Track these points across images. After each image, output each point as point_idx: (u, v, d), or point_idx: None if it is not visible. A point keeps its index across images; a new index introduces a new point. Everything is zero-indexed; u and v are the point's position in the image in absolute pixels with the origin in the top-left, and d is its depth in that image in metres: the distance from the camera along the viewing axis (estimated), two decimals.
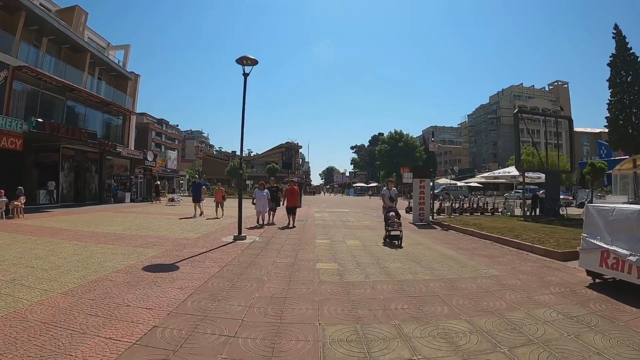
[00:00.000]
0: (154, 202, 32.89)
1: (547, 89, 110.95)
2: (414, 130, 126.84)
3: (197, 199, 19.98)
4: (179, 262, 8.21)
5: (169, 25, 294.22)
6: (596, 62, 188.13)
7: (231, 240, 11.41)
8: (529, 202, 22.70)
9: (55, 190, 26.29)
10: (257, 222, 16.08)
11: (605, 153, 51.32)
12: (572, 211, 23.51)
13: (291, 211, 16.09)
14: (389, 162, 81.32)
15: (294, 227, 15.36)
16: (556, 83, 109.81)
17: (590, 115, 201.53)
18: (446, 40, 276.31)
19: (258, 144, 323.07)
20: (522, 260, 9.34)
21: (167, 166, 50.60)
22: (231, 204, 19.89)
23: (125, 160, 35.93)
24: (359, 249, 10.38)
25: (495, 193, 67.47)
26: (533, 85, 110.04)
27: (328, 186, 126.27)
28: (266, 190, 16.14)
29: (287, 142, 33.18)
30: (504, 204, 26.45)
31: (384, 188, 13.62)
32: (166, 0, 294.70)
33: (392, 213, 11.91)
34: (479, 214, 24.33)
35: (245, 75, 11.92)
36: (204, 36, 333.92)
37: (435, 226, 17.40)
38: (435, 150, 19.39)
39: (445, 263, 8.76)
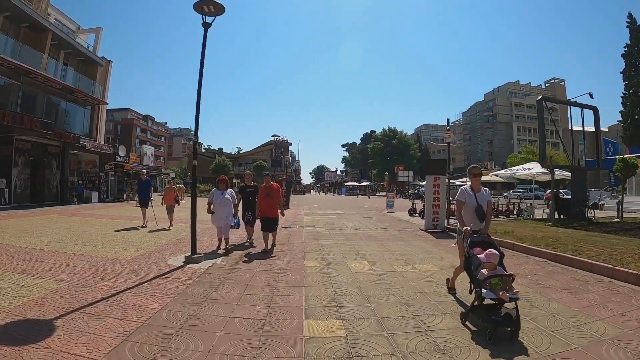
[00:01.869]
0: (128, 202, 29.40)
1: (543, 86, 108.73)
2: (406, 128, 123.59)
3: (144, 203, 15.03)
4: (67, 315, 4.70)
5: (163, 25, 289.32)
6: (593, 60, 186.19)
7: (179, 265, 7.82)
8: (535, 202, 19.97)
9: (7, 189, 22.66)
10: (218, 248, 9.76)
11: (612, 151, 48.79)
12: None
13: (269, 226, 9.64)
14: (382, 160, 78.58)
15: (271, 252, 9.40)
16: (553, 80, 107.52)
17: (586, 114, 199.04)
18: (439, 38, 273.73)
19: (247, 141, 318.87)
20: (618, 295, 6.08)
21: (143, 162, 46.79)
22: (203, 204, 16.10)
23: (93, 155, 32.33)
24: (372, 281, 6.82)
25: (492, 192, 64.91)
26: (529, 83, 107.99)
27: (318, 185, 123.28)
28: (230, 191, 9.72)
29: (276, 139, 29.83)
30: (519, 205, 23.37)
31: (462, 188, 5.72)
32: None
33: (478, 249, 5.04)
34: (493, 216, 21.17)
35: (206, 25, 8.44)
36: (195, 34, 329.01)
37: (453, 234, 13.99)
38: (452, 141, 15.97)
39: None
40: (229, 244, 9.80)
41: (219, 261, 8.20)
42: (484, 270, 4.54)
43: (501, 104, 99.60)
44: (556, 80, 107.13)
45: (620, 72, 37.89)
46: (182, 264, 7.91)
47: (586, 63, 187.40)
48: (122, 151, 35.55)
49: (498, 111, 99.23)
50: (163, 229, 13.33)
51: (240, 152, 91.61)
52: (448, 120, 16.81)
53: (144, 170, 15.76)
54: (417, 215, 21.44)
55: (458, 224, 5.82)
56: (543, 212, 20.77)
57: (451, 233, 14.18)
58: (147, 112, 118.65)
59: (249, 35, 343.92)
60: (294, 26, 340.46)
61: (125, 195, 34.89)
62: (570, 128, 21.21)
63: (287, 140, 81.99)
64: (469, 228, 5.19)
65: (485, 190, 5.64)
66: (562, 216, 18.48)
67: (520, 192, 48.91)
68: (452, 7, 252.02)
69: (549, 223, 16.08)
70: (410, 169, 70.50)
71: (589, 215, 18.52)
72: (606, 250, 9.04)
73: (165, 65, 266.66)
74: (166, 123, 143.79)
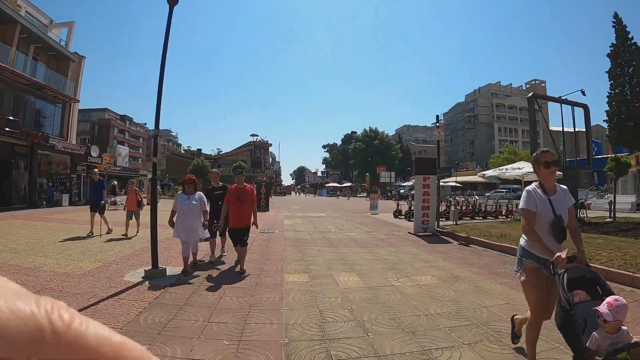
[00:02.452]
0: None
1: (524, 87, 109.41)
2: (387, 130, 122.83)
3: (95, 207, 12.50)
4: None
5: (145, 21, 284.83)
6: (573, 61, 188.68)
7: (137, 281, 6.59)
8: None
9: None
10: (185, 268, 7.32)
11: (596, 151, 48.62)
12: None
13: (238, 238, 7.52)
14: (363, 161, 77.63)
15: (243, 271, 7.29)
16: (533, 82, 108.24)
17: (566, 115, 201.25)
18: (420, 39, 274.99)
19: (228, 143, 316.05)
20: None
21: (117, 163, 44.92)
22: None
23: (65, 156, 30.52)
24: (365, 300, 5.72)
25: (474, 193, 64.60)
26: (510, 84, 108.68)
27: (299, 186, 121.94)
28: (199, 195, 7.61)
29: (255, 138, 28.62)
30: (507, 205, 22.63)
31: (528, 189, 3.49)
32: None
33: (581, 292, 3.01)
34: (481, 218, 20.83)
35: (172, 1, 7.26)
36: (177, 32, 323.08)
37: (445, 237, 13.10)
38: (441, 138, 14.98)
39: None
40: (197, 260, 7.99)
41: (184, 277, 6.96)
42: (602, 335, 2.59)
43: (482, 104, 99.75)
44: (537, 82, 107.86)
45: (606, 72, 37.65)
46: (141, 279, 6.70)
47: (567, 64, 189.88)
48: (94, 151, 33.87)
49: (479, 112, 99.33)
50: (126, 237, 11.71)
51: (221, 153, 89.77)
52: (437, 117, 15.79)
53: (96, 170, 13.77)
54: (403, 217, 20.50)
55: (521, 249, 3.58)
56: None
57: (442, 237, 13.25)
58: (126, 112, 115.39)
59: (230, 37, 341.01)
60: (272, 24, 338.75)
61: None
62: (561, 128, 20.35)
63: (267, 141, 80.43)
64: (562, 255, 2.97)
65: (563, 190, 3.55)
66: None
67: (502, 192, 48.41)
68: (433, 9, 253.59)
69: None
70: (392, 170, 69.81)
71: (581, 215, 18.00)
72: (616, 254, 8.32)
73: (145, 65, 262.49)
74: (145, 124, 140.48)
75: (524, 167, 21.35)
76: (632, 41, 36.49)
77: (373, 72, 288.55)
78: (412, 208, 19.75)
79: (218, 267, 8.00)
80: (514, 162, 61.98)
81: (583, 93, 20.34)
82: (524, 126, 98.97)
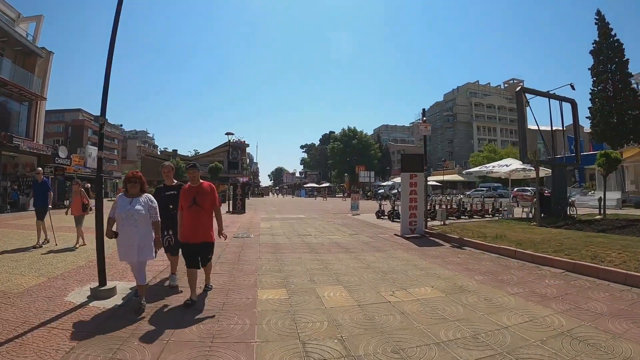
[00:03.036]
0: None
1: (502, 87, 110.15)
2: (365, 129, 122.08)
3: (41, 213, 10.65)
4: None
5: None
6: (552, 60, 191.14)
7: (81, 301, 5.33)
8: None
9: None
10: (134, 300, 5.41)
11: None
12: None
13: (194, 258, 5.48)
14: (342, 161, 76.84)
15: (208, 288, 6.05)
16: (511, 81, 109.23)
17: (544, 114, 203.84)
18: (398, 38, 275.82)
19: (206, 145, 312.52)
20: None
21: (88, 165, 42.81)
22: None
23: (32, 157, 28.78)
24: (358, 325, 4.58)
25: (454, 192, 64.30)
26: (489, 83, 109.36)
27: (277, 187, 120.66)
28: (146, 198, 5.31)
29: (230, 137, 27.51)
30: (493, 204, 21.90)
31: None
32: None
33: None
34: (467, 217, 20.10)
35: None
36: (156, 28, 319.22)
37: (435, 239, 12.13)
38: (428, 133, 13.98)
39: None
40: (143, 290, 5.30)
41: (135, 297, 5.50)
42: None
43: (461, 103, 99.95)
44: (515, 81, 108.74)
45: (589, 69, 37.72)
46: (86, 299, 5.48)
47: (545, 63, 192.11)
48: (62, 152, 32.03)
49: (458, 111, 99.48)
50: (82, 244, 10.44)
51: (198, 154, 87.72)
52: (424, 110, 14.80)
53: (40, 169, 11.76)
54: (386, 217, 19.63)
55: None
56: (522, 210, 19.59)
57: (432, 239, 12.27)
58: (113, 117, 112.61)
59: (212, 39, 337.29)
60: (246, 22, 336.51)
61: (67, 202, 31.53)
62: (550, 126, 19.57)
63: (244, 141, 78.86)
64: None
65: None
66: (542, 215, 16.77)
67: (482, 190, 47.99)
68: (411, 9, 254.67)
69: (534, 223, 14.66)
70: (371, 169, 69.06)
71: (571, 213, 17.50)
72: (626, 254, 7.60)
73: (122, 63, 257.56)
74: (121, 125, 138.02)
75: (511, 164, 20.63)
76: (615, 38, 36.57)
77: (350, 72, 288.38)
78: (396, 208, 18.96)
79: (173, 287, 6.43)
80: (494, 160, 62.24)
81: (572, 87, 19.63)
82: (503, 125, 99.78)
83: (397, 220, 18.14)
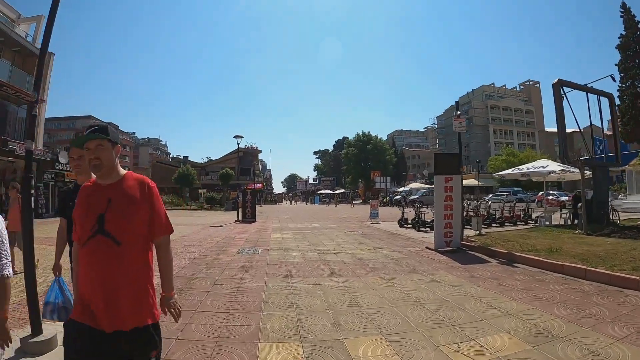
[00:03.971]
0: None
1: (518, 89, 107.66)
2: (379, 134, 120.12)
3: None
4: None
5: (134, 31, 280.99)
6: (566, 60, 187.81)
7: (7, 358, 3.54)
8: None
9: None
10: None
11: (601, 149, 46.12)
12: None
13: None
14: (356, 167, 74.64)
15: None
16: (527, 83, 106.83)
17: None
18: (410, 43, 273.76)
19: (218, 151, 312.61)
20: None
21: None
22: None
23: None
24: None
25: (471, 197, 62.13)
26: (504, 85, 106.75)
27: (290, 194, 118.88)
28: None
29: (240, 141, 26.02)
30: (524, 210, 20.25)
31: None
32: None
33: None
34: (498, 225, 18.38)
35: None
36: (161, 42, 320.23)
37: (476, 254, 10.23)
38: (463, 130, 12.09)
39: None
40: None
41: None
42: None
43: (477, 106, 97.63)
44: (531, 82, 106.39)
45: (616, 65, 35.63)
46: (13, 355, 3.71)
47: (562, 64, 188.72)
48: (63, 157, 30.54)
49: (474, 114, 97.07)
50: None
51: (210, 160, 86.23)
52: (457, 104, 12.82)
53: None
54: (410, 226, 17.78)
55: None
56: (560, 217, 17.74)
57: (473, 253, 10.34)
58: (112, 120, 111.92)
59: (222, 44, 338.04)
60: (258, 29, 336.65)
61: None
62: (589, 123, 17.53)
63: (256, 147, 77.16)
64: None
65: None
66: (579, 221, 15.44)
67: (502, 195, 45.93)
68: (423, 13, 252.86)
69: (578, 231, 12.87)
70: (386, 175, 66.95)
71: (613, 218, 15.83)
72: None
73: (133, 69, 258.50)
74: (134, 133, 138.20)
75: (548, 165, 18.58)
76: None
77: (363, 76, 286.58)
78: (421, 216, 17.10)
79: None
80: (513, 164, 60.00)
81: (613, 79, 17.68)
82: (519, 128, 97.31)
83: (424, 229, 16.34)
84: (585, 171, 17.39)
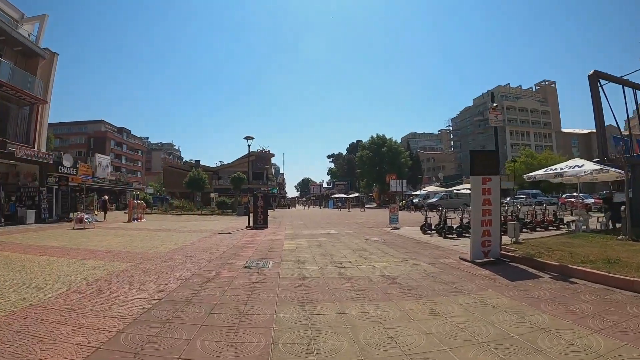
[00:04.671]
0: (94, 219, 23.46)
1: (534, 89, 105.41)
2: (393, 138, 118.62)
3: None
4: None
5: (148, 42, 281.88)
6: (583, 60, 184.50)
7: None
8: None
9: None
10: None
11: (623, 150, 44.24)
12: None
13: None
14: (371, 170, 73.12)
15: None
16: (543, 83, 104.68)
17: (578, 116, 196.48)
18: (424, 44, 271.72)
19: (232, 156, 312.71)
20: None
21: (97, 175, 40.38)
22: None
23: (33, 166, 26.37)
24: None
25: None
26: (520, 86, 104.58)
27: (304, 198, 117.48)
28: None
29: (251, 143, 24.82)
30: (555, 214, 19.22)
31: None
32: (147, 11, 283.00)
33: None
34: (529, 230, 17.05)
35: None
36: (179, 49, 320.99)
37: (519, 266, 8.86)
38: (500, 124, 10.68)
39: None
40: None
41: None
42: None
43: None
44: (547, 82, 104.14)
45: None
46: None
47: (577, 63, 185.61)
48: (67, 161, 29.45)
49: (490, 115, 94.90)
50: None
51: (222, 164, 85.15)
52: (492, 94, 11.18)
53: None
54: (434, 232, 16.40)
55: None
56: (597, 221, 16.24)
57: (516, 265, 8.94)
58: (124, 125, 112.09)
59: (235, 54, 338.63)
60: (272, 35, 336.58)
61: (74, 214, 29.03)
62: (627, 117, 15.95)
63: (268, 150, 76.09)
64: None
65: None
66: (617, 225, 14.95)
67: (522, 197, 44.32)
68: (435, 14, 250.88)
69: (622, 236, 11.62)
70: (402, 178, 65.41)
71: None
72: None
73: (146, 73, 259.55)
74: (147, 138, 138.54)
75: (583, 165, 17.01)
76: None
77: (376, 79, 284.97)
78: (446, 221, 15.72)
79: None
80: (532, 166, 58.09)
81: None
82: (536, 129, 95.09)
83: (450, 236, 14.93)
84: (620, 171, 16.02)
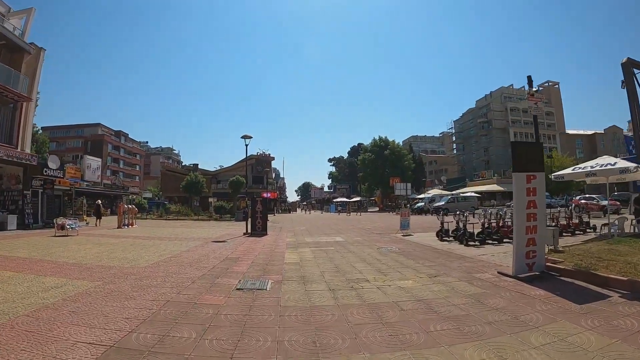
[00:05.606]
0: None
1: (538, 90, 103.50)
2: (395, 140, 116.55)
3: None
4: None
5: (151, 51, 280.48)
6: (586, 61, 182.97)
7: None
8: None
9: None
10: None
11: (633, 152, 42.58)
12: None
13: None
14: (373, 173, 71.10)
15: None
16: (546, 84, 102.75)
17: (582, 117, 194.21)
18: (424, 48, 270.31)
19: (230, 161, 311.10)
20: None
21: (85, 178, 38.43)
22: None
23: (16, 167, 24.67)
24: None
25: (493, 202, 58.60)
26: (523, 87, 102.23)
27: (304, 202, 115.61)
28: None
29: (249, 142, 23.05)
30: (580, 217, 17.51)
31: None
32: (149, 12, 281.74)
33: None
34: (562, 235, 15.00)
35: None
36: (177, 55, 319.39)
37: (575, 281, 7.19)
38: (539, 112, 8.87)
39: None
40: None
41: None
42: None
43: (496, 109, 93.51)
44: (550, 83, 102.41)
45: None
46: None
47: (579, 64, 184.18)
48: (53, 162, 27.57)
49: (493, 117, 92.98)
50: None
51: (222, 167, 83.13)
52: (530, 79, 9.33)
53: None
54: (452, 239, 14.75)
55: None
56: (631, 224, 14.76)
57: (569, 280, 7.27)
58: (122, 128, 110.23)
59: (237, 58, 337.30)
60: (272, 39, 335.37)
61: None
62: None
63: (269, 154, 74.22)
64: None
65: None
66: None
67: None
68: (433, 15, 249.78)
69: None
70: (405, 181, 63.57)
71: None
72: None
73: (144, 75, 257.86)
74: (147, 142, 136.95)
75: (616, 163, 15.29)
76: None
77: (376, 82, 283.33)
78: (466, 227, 14.02)
79: None
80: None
81: None
82: (540, 130, 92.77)
83: (472, 244, 13.19)
84: None
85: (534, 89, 9.33)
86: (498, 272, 8.27)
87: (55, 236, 17.93)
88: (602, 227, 15.34)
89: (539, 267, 8.03)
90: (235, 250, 12.66)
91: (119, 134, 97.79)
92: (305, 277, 8.12)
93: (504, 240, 13.74)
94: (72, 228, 19.15)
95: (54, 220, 19.86)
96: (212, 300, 6.13)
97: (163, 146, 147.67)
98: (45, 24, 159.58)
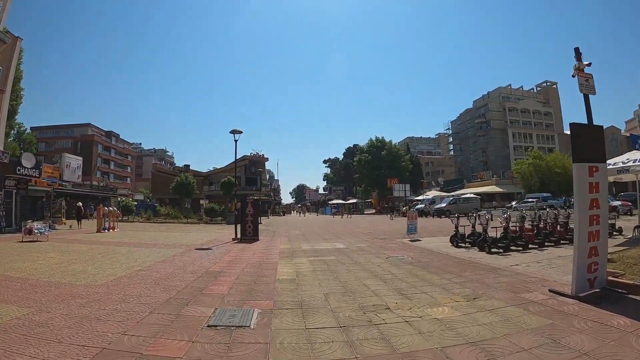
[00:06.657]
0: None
1: (535, 90, 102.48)
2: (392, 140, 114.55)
3: None
4: None
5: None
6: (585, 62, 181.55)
7: None
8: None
9: None
10: None
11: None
12: None
13: None
14: (370, 174, 69.39)
15: None
16: (545, 84, 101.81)
17: (581, 118, 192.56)
18: (419, 46, 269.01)
19: (223, 162, 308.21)
20: None
21: (64, 177, 36.14)
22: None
23: None
24: None
25: (493, 204, 57.04)
26: (521, 87, 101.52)
27: (299, 205, 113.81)
28: None
29: (238, 137, 21.15)
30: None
31: None
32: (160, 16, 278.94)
33: None
34: (567, 242, 13.03)
35: None
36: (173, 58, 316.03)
37: None
38: (592, 92, 6.98)
39: None
40: None
41: None
42: None
43: (494, 109, 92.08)
44: (548, 83, 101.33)
45: None
46: None
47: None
48: (27, 160, 25.45)
49: (491, 117, 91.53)
50: None
51: (215, 169, 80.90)
52: (578, 51, 7.42)
53: None
54: (469, 244, 13.01)
55: None
56: None
57: (636, 297, 5.47)
58: (113, 129, 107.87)
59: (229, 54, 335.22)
60: (263, 36, 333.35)
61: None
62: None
63: (262, 155, 72.18)
64: None
65: None
66: None
67: (532, 202, 40.75)
68: (428, 13, 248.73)
69: None
70: (402, 183, 61.90)
71: None
72: None
73: (138, 75, 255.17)
74: (140, 144, 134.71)
75: None
76: None
77: (372, 84, 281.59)
78: (487, 231, 12.23)
79: None
80: (541, 167, 54.56)
81: None
82: (539, 130, 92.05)
83: (497, 251, 11.40)
84: None
85: (586, 63, 7.40)
86: (550, 291, 6.45)
87: (22, 242, 16.08)
88: (635, 230, 13.70)
89: (600, 282, 6.22)
90: (218, 261, 10.67)
91: (109, 134, 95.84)
92: (304, 302, 6.11)
93: (529, 246, 12.09)
94: (40, 233, 17.21)
95: (23, 224, 17.93)
96: (168, 348, 4.09)
97: (157, 148, 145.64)
98: (36, 23, 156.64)
